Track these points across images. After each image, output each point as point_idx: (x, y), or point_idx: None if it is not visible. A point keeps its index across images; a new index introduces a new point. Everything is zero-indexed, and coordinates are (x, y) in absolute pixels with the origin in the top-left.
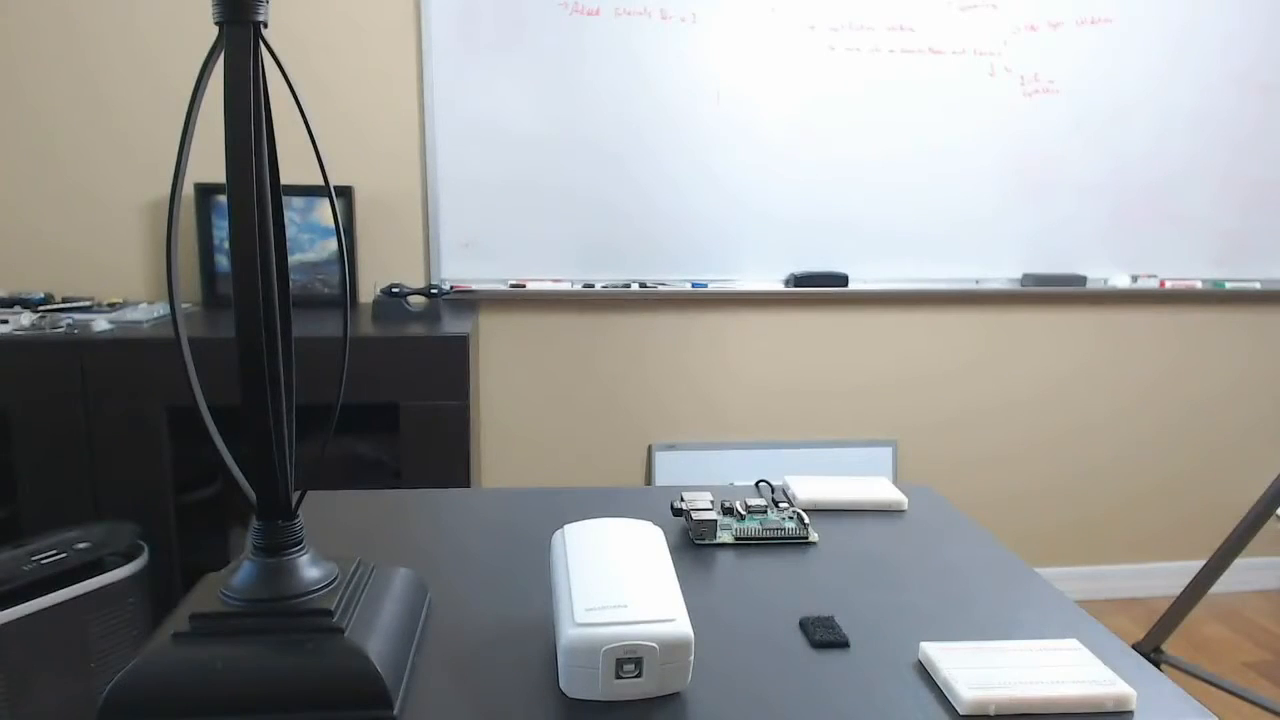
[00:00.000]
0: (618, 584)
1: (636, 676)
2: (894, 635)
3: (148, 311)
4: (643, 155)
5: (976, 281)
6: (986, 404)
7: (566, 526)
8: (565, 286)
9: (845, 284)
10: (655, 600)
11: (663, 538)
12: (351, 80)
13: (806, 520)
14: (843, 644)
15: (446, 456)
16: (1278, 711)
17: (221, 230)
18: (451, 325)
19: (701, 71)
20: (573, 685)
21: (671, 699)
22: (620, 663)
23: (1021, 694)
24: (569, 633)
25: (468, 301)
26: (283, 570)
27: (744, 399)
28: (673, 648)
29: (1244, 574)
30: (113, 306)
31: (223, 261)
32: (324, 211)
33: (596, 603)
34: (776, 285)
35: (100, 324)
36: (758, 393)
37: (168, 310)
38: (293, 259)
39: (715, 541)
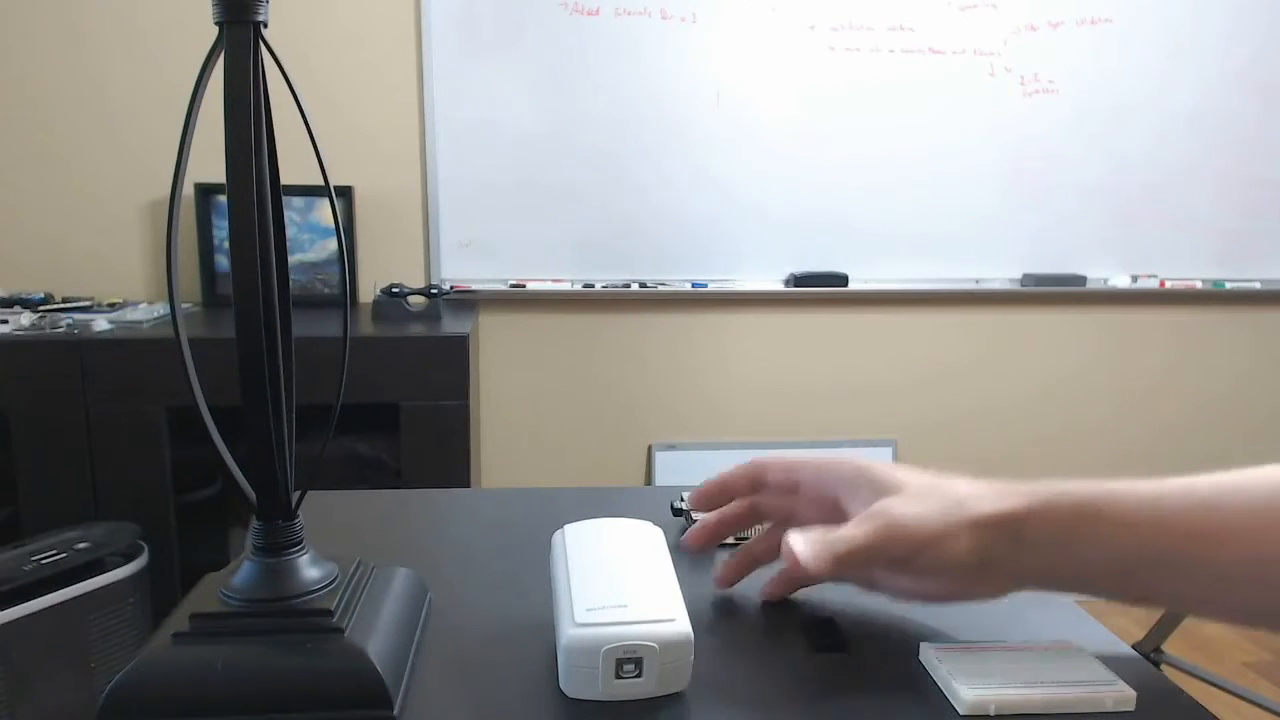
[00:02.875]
0: (618, 584)
1: (636, 676)
2: (894, 636)
3: (148, 311)
4: (643, 155)
5: (976, 281)
6: (986, 404)
7: (566, 527)
8: (565, 286)
9: (845, 284)
10: (655, 600)
11: (663, 538)
12: (351, 80)
13: None
14: (843, 645)
15: (446, 456)
16: (1278, 711)
17: (221, 230)
18: (451, 325)
19: (701, 71)
20: (572, 685)
21: (671, 699)
22: (620, 663)
23: (1021, 694)
24: (569, 632)
25: (468, 301)
26: (283, 570)
27: (744, 399)
28: (673, 647)
29: None
30: (113, 306)
31: (223, 261)
32: (324, 211)
33: (596, 602)
34: (776, 285)
35: (100, 324)
36: (758, 393)
37: (168, 310)
38: (293, 259)
39: None
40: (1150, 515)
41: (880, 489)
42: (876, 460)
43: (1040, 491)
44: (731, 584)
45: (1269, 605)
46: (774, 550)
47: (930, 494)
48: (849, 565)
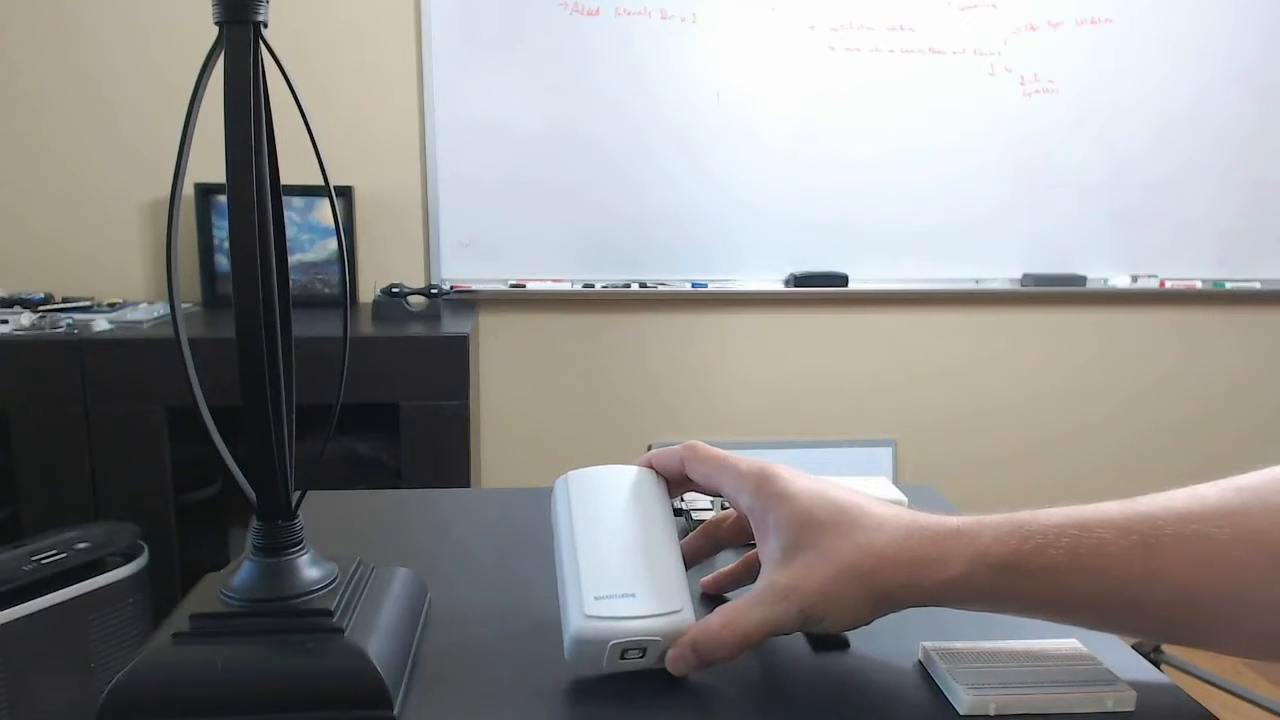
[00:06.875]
0: (625, 564)
1: (639, 658)
2: (894, 635)
3: (148, 311)
4: (643, 155)
5: (976, 281)
6: (986, 404)
7: (570, 475)
8: (565, 286)
9: (845, 284)
10: (663, 587)
11: (665, 490)
12: (351, 80)
13: None
14: (843, 644)
15: (446, 456)
16: (1278, 711)
17: (221, 230)
18: (451, 325)
19: (701, 71)
20: (575, 662)
21: (671, 701)
22: (625, 649)
23: (1021, 694)
24: (577, 623)
25: (468, 301)
26: (283, 570)
27: (744, 399)
28: (677, 636)
29: None
30: (113, 306)
31: (223, 261)
32: (324, 211)
33: (605, 589)
34: (776, 285)
35: (100, 324)
36: (758, 393)
37: (168, 310)
38: (293, 259)
39: None
40: (1078, 563)
41: (785, 543)
42: (781, 475)
43: (959, 555)
44: (691, 565)
45: (1205, 634)
46: (739, 534)
47: (836, 561)
48: (743, 650)
